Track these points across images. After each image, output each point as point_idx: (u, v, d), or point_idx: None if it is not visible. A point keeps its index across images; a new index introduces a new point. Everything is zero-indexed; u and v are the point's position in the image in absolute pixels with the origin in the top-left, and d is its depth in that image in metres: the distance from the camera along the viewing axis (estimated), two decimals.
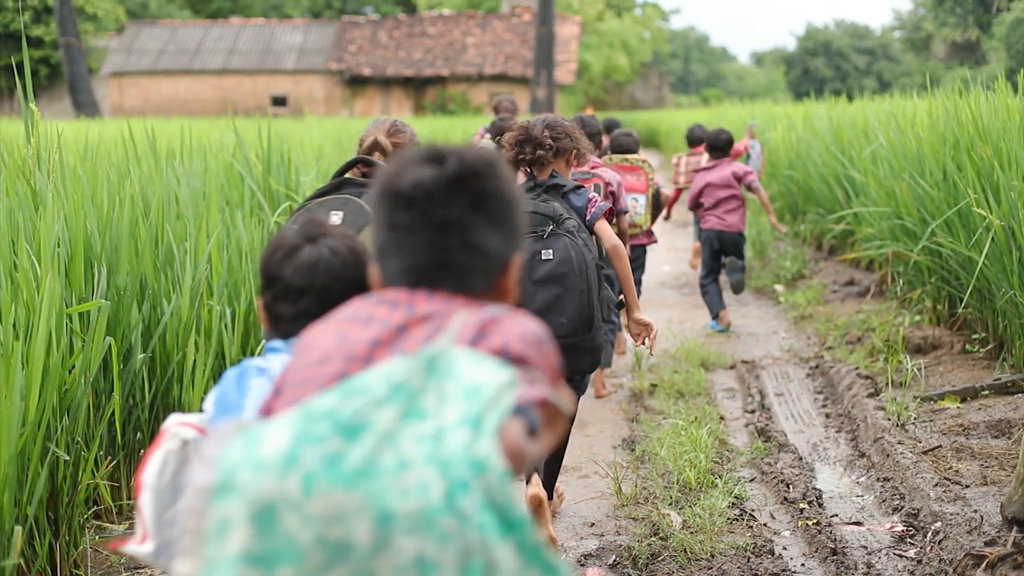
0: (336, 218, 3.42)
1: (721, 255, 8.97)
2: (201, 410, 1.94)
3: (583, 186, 4.41)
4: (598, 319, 4.21)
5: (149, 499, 2.13)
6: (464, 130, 19.41)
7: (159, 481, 2.13)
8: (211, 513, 1.43)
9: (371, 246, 1.82)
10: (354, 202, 3.47)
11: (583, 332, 4.16)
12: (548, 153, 4.33)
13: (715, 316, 8.90)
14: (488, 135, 8.85)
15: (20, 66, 46.27)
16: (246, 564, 1.39)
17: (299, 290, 2.23)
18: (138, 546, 2.14)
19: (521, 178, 4.33)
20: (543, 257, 4.11)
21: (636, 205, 7.30)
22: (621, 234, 5.21)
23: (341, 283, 2.22)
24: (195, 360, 5.07)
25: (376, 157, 3.73)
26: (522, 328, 1.66)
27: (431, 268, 1.73)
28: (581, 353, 4.17)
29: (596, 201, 4.41)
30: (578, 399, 4.74)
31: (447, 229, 1.73)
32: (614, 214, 5.32)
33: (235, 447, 1.45)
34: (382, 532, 1.38)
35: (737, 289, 9.24)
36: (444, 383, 1.49)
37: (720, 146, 9.06)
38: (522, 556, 1.41)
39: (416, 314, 1.69)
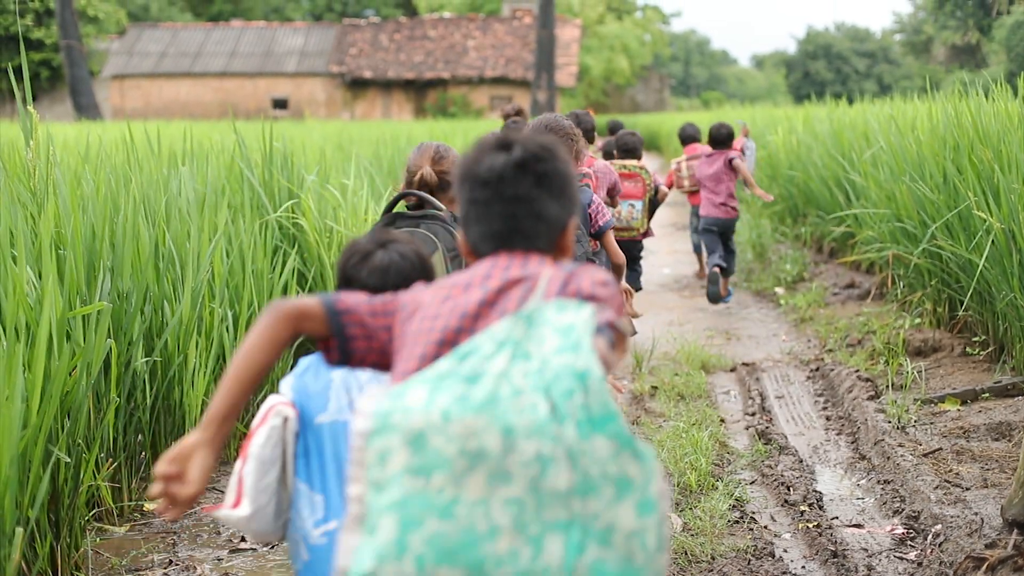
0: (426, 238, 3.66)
1: (721, 238, 9.69)
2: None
3: (586, 184, 4.68)
4: None
5: (253, 468, 2.44)
6: (465, 133, 19.42)
7: (263, 452, 2.45)
8: (369, 450, 1.86)
9: (459, 218, 2.22)
10: (420, 233, 3.70)
11: None
12: None
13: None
14: None
15: (15, 70, 46.26)
16: (409, 474, 1.83)
17: (373, 290, 2.46)
18: (231, 511, 2.43)
19: None
20: None
21: (633, 211, 7.78)
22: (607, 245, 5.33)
23: (409, 283, 2.45)
24: (196, 362, 5.08)
25: (424, 188, 3.88)
26: (592, 276, 2.09)
27: (506, 233, 2.15)
28: None
29: (602, 210, 4.81)
30: None
31: (517, 202, 2.15)
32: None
33: (384, 401, 1.87)
34: (508, 440, 1.81)
35: (713, 299, 9.60)
36: (540, 330, 1.93)
37: (721, 139, 9.78)
38: (615, 444, 1.84)
39: (511, 277, 2.10)
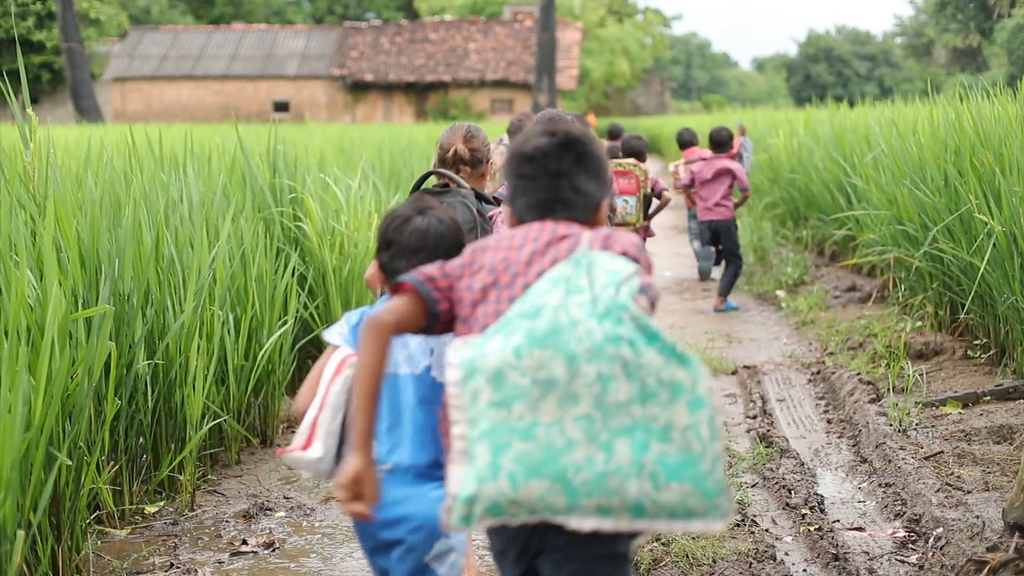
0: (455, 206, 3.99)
1: (717, 242, 10.34)
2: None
3: None
4: None
5: (328, 415, 2.74)
6: None
7: (337, 400, 2.75)
8: (464, 394, 2.22)
9: (507, 194, 2.59)
10: (458, 197, 4.09)
11: None
12: None
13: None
14: (504, 144, 9.32)
15: (16, 72, 46.33)
16: (494, 408, 2.19)
17: (414, 250, 2.81)
18: (302, 452, 2.75)
19: None
20: None
21: (627, 206, 8.30)
22: None
23: (446, 243, 2.82)
24: (197, 365, 5.08)
25: (458, 164, 4.27)
26: (629, 239, 2.46)
27: (548, 203, 2.53)
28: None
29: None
30: None
31: (559, 176, 2.54)
32: None
33: (468, 351, 2.24)
34: (572, 366, 2.17)
35: (704, 275, 11.20)
36: (591, 270, 2.30)
37: (722, 142, 10.23)
38: (663, 355, 2.20)
39: (557, 234, 2.47)
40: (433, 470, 2.76)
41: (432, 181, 4.28)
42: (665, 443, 2.18)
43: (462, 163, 4.29)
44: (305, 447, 2.75)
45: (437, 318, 2.51)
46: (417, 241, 2.83)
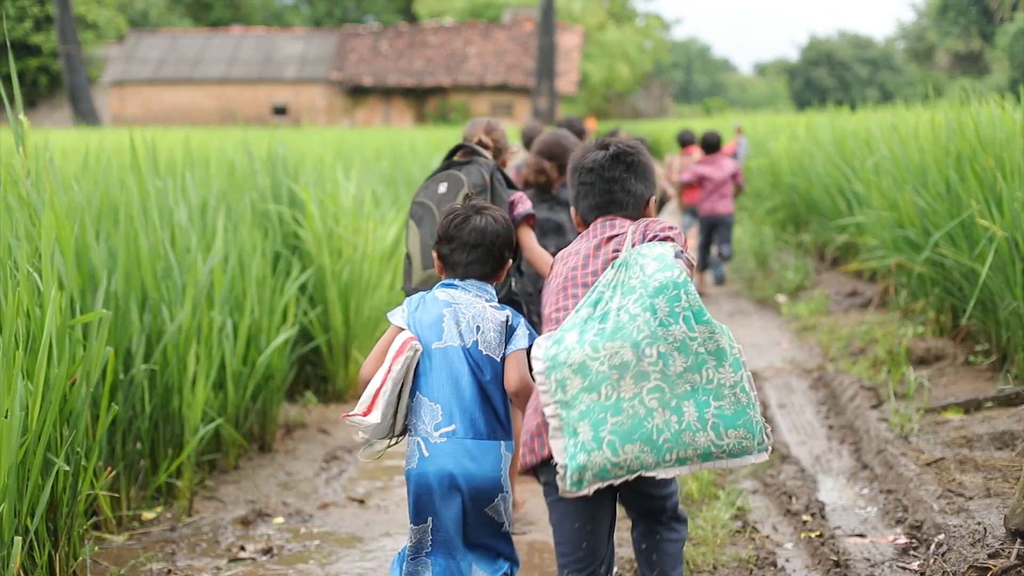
0: (443, 187, 4.50)
1: (712, 234, 11.35)
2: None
3: None
4: None
5: (389, 388, 3.17)
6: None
7: (397, 376, 3.18)
8: (549, 381, 2.82)
9: (570, 196, 3.35)
10: (453, 174, 4.53)
11: None
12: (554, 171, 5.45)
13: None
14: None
15: (18, 75, 46.27)
16: (585, 392, 2.79)
17: (474, 245, 3.34)
18: (363, 417, 3.20)
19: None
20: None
21: None
22: None
23: (501, 240, 3.36)
24: (195, 371, 5.06)
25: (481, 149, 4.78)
26: (660, 224, 3.16)
27: (605, 205, 3.27)
28: None
29: None
30: None
31: (613, 182, 3.26)
32: None
33: (551, 347, 2.85)
34: (637, 351, 2.81)
35: (719, 281, 11.83)
36: (639, 263, 2.92)
37: (713, 144, 11.32)
38: (709, 327, 2.84)
39: (604, 236, 3.18)
40: (486, 434, 3.22)
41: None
42: (720, 400, 2.84)
43: (484, 149, 4.81)
44: (366, 413, 3.20)
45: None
46: (476, 237, 3.34)
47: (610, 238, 3.14)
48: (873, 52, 76.49)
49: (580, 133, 8.03)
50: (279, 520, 4.95)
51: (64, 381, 3.97)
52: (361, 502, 5.25)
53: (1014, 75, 38.06)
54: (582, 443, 2.76)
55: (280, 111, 50.48)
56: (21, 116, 4.57)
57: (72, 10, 38.16)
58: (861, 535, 4.67)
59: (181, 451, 5.07)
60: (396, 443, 3.37)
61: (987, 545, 4.17)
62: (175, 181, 6.30)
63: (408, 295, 4.22)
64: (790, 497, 5.12)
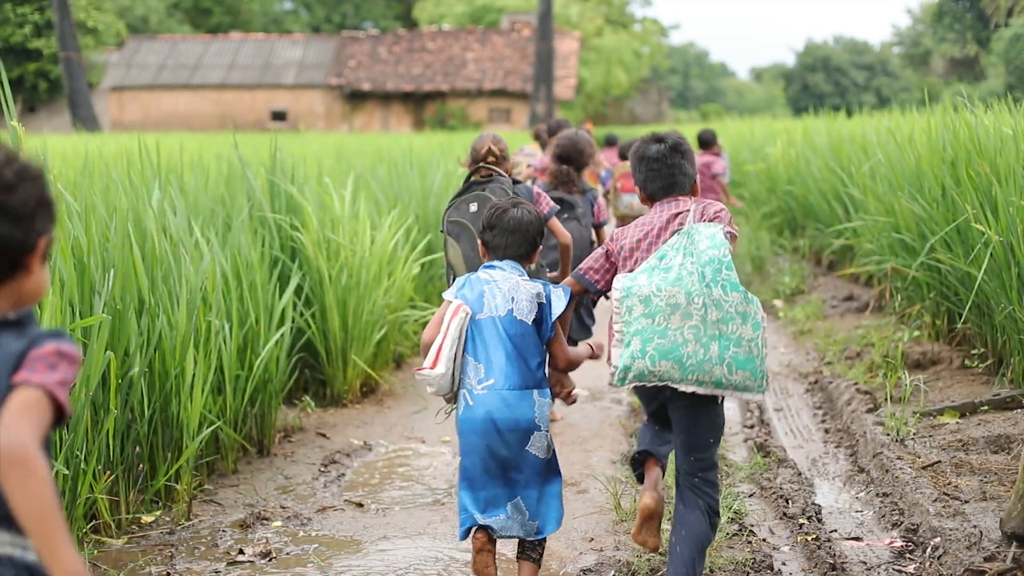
0: (473, 206, 5.29)
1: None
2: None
3: (593, 189, 6.92)
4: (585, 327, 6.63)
5: (448, 343, 3.83)
6: (464, 144, 19.45)
7: (454, 333, 3.85)
8: (622, 306, 3.68)
9: (635, 180, 4.14)
10: (480, 194, 5.35)
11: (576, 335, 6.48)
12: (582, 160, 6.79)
13: None
14: (526, 152, 11.61)
15: (14, 81, 46.33)
16: (644, 317, 3.63)
17: (512, 231, 4.04)
18: (430, 370, 3.82)
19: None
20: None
21: (634, 201, 10.09)
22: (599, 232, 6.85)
23: (533, 228, 4.07)
24: (194, 375, 5.07)
25: (490, 160, 5.67)
26: (714, 207, 3.95)
27: (669, 186, 4.03)
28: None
29: (602, 211, 6.78)
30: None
31: (673, 167, 4.03)
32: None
33: (627, 282, 3.71)
34: (688, 298, 3.62)
35: None
36: (696, 236, 3.75)
37: (709, 140, 12.19)
38: (741, 295, 3.64)
39: (672, 213, 3.94)
40: (519, 385, 3.89)
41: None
42: (738, 347, 3.69)
43: (492, 158, 5.67)
44: (432, 366, 3.83)
45: (596, 289, 4.09)
46: (514, 224, 4.04)
47: (676, 214, 3.96)
48: (869, 57, 76.48)
49: (559, 132, 9.31)
50: (277, 523, 4.97)
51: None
52: (359, 505, 5.26)
53: (1010, 80, 38.08)
54: (631, 353, 3.70)
55: (279, 116, 50.49)
56: (14, 123, 4.57)
57: (72, 16, 38.19)
58: (857, 538, 4.69)
59: (180, 455, 5.09)
60: (453, 410, 4.04)
61: (983, 548, 4.19)
62: (174, 186, 6.32)
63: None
64: (787, 500, 5.13)
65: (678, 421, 3.96)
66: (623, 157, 10.53)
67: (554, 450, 4.01)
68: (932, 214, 7.31)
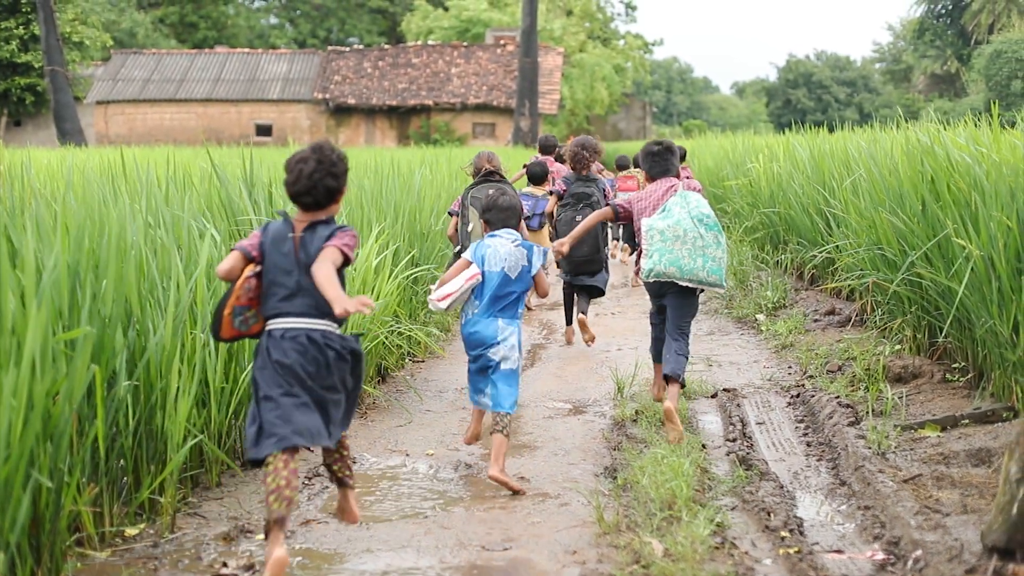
0: (491, 191, 6.48)
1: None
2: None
3: (601, 178, 10.14)
4: (602, 249, 9.39)
5: (459, 295, 5.65)
6: (449, 159, 19.47)
7: (466, 290, 5.69)
8: (646, 234, 6.62)
9: (643, 167, 7.20)
10: (497, 185, 8.40)
11: (594, 254, 9.27)
12: (589, 158, 9.58)
13: None
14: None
15: (4, 94, 46.14)
16: (660, 242, 6.58)
17: (505, 209, 5.91)
18: (438, 303, 5.64)
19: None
20: (579, 218, 9.32)
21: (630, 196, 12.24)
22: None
23: (516, 208, 5.96)
24: (179, 388, 5.07)
25: (488, 168, 8.97)
26: (694, 183, 8.44)
27: (664, 170, 6.99)
28: (593, 263, 9.31)
29: (610, 195, 9.74)
30: (596, 288, 9.54)
31: (667, 160, 7.01)
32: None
33: (647, 222, 6.64)
34: (684, 232, 6.56)
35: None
36: (688, 197, 6.70)
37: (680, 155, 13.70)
38: (716, 233, 6.62)
39: (669, 187, 6.88)
40: (495, 316, 5.74)
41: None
42: (713, 262, 6.51)
43: (494, 171, 8.91)
44: (440, 300, 5.69)
45: (619, 216, 7.07)
46: (506, 206, 5.97)
47: (670, 187, 6.89)
48: (851, 73, 76.81)
49: (553, 147, 13.66)
50: (261, 537, 4.96)
51: (47, 399, 3.98)
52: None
53: (990, 96, 38.26)
54: (653, 262, 6.57)
55: (264, 131, 50.46)
56: None
57: (58, 30, 38.14)
58: (839, 551, 4.71)
59: (164, 467, 5.08)
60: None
61: (964, 561, 4.22)
62: (159, 199, 6.32)
63: (458, 254, 8.90)
64: (769, 513, 5.15)
65: (672, 306, 6.83)
66: (620, 167, 15.87)
67: (516, 359, 5.80)
68: (913, 229, 7.36)
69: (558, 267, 9.61)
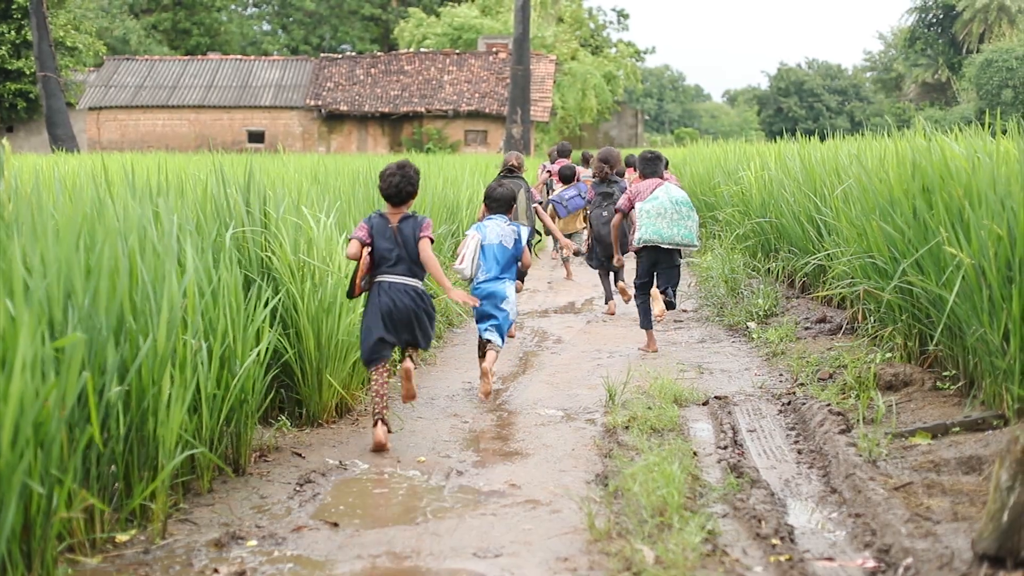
0: (509, 183, 8.74)
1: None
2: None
3: (621, 180, 12.22)
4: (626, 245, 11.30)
5: (470, 256, 7.82)
6: (440, 166, 19.48)
7: (473, 249, 7.83)
8: (641, 212, 9.52)
9: (637, 169, 10.11)
10: (516, 180, 11.76)
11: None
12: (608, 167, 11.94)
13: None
14: (547, 170, 17.57)
15: None
16: (649, 217, 9.48)
17: (500, 199, 8.09)
18: (459, 265, 7.82)
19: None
20: (605, 213, 11.57)
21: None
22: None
23: (510, 198, 8.12)
24: (171, 394, 5.07)
25: (513, 165, 12.09)
26: (675, 180, 11.14)
27: (653, 172, 9.83)
28: (611, 248, 11.16)
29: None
30: (610, 272, 12.08)
31: (656, 164, 9.88)
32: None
33: (640, 206, 9.56)
34: (666, 211, 9.47)
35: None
36: (670, 188, 9.61)
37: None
38: (688, 210, 9.56)
39: (657, 183, 9.64)
40: (501, 278, 7.82)
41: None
42: (686, 230, 9.46)
43: (516, 168, 11.94)
44: (460, 263, 7.69)
45: (626, 208, 9.86)
46: (504, 194, 8.00)
47: (658, 184, 9.47)
48: (842, 82, 76.95)
49: (569, 152, 17.58)
50: (252, 543, 4.96)
51: (39, 406, 3.97)
52: (334, 525, 5.26)
53: (981, 105, 38.34)
54: (644, 231, 9.38)
55: (256, 137, 50.44)
56: (3, 141, 4.59)
57: (51, 36, 38.11)
58: (830, 558, 4.72)
59: (156, 474, 5.08)
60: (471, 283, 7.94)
61: (954, 569, 4.23)
62: (150, 206, 6.32)
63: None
64: (760, 521, 5.16)
65: (661, 268, 9.53)
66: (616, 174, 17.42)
67: (510, 311, 7.91)
68: (904, 237, 7.38)
69: (588, 261, 12.15)
